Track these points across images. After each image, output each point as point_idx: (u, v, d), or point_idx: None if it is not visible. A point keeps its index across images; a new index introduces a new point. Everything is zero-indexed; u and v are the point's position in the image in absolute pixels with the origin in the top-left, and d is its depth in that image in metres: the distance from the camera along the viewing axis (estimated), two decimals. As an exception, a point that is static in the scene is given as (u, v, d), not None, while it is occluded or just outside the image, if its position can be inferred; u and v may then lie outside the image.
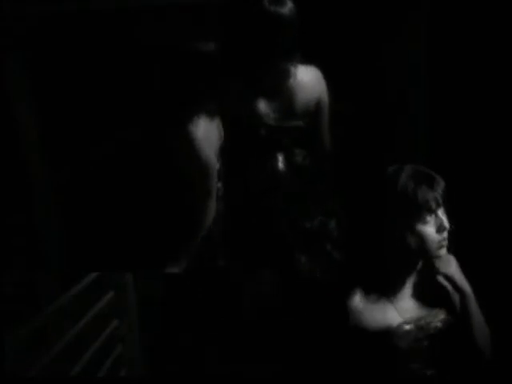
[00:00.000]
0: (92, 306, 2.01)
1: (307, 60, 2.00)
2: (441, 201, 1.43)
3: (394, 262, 1.48)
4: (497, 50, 2.31)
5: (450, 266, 1.45)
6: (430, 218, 1.43)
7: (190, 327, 2.39)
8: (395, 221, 1.44)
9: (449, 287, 1.47)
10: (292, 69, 1.95)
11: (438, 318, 1.49)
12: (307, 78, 1.99)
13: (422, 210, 1.42)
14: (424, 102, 2.50)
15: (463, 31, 2.34)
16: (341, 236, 1.98)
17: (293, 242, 2.04)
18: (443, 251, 1.46)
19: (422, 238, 1.43)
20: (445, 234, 1.44)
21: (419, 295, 1.52)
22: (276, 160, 2.03)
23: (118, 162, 2.61)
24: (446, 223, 1.44)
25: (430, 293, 1.51)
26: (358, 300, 1.47)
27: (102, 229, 2.67)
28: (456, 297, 1.49)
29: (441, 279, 1.46)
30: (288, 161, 2.04)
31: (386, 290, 1.49)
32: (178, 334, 2.41)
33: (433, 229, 1.43)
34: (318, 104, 2.04)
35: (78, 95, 2.58)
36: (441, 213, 1.44)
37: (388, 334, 1.44)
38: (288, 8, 1.88)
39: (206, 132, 1.91)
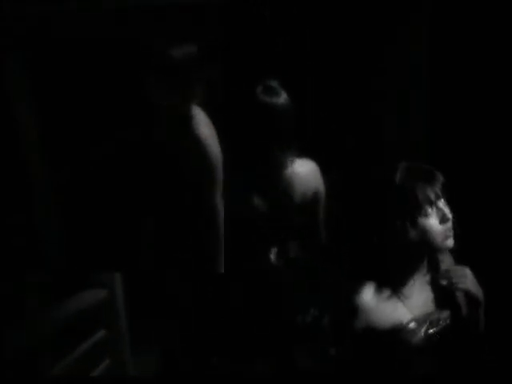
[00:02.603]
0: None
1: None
2: (440, 193, 1.43)
3: (400, 259, 1.49)
4: (498, 52, 2.31)
5: (467, 279, 1.44)
6: (432, 211, 1.43)
7: (190, 327, 2.40)
8: (397, 218, 1.44)
9: (461, 298, 1.47)
10: (289, 163, 1.94)
11: (447, 313, 1.49)
12: (304, 172, 1.98)
13: (422, 204, 1.42)
14: (425, 103, 2.50)
15: (464, 32, 2.33)
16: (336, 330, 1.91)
17: (286, 335, 2.02)
18: (450, 242, 1.46)
19: (426, 232, 1.43)
20: (449, 225, 1.44)
21: (427, 291, 1.52)
22: (272, 253, 2.01)
23: (118, 162, 2.61)
24: (449, 213, 1.43)
25: (437, 289, 1.51)
26: (367, 298, 1.47)
27: (102, 229, 2.68)
28: (462, 299, 1.49)
29: (458, 293, 1.46)
30: (283, 253, 2.02)
31: (395, 288, 1.49)
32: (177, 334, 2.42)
33: (436, 221, 1.43)
34: (314, 197, 2.02)
35: (77, 95, 2.58)
36: (442, 204, 1.44)
37: (398, 331, 1.44)
38: (282, 98, 1.87)
39: (211, 130, 1.96)
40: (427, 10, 2.39)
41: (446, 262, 1.58)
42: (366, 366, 1.46)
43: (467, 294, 1.46)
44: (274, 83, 1.91)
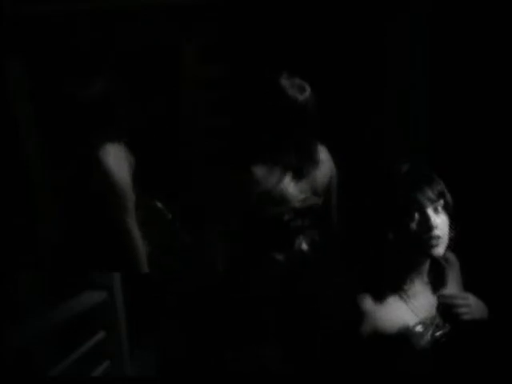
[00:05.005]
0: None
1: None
2: (429, 201, 1.40)
3: (398, 260, 1.48)
4: (498, 51, 2.30)
5: (471, 309, 1.38)
6: (418, 217, 1.41)
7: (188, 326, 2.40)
8: (390, 219, 1.44)
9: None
10: (313, 150, 1.98)
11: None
12: (323, 158, 2.03)
13: (410, 209, 1.40)
14: (425, 103, 2.50)
15: (465, 32, 2.33)
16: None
17: (313, 321, 2.01)
18: (438, 251, 1.43)
19: (410, 237, 1.42)
20: (434, 233, 1.40)
21: (431, 291, 1.50)
22: (299, 242, 2.04)
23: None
24: (434, 222, 1.39)
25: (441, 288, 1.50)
26: (371, 302, 1.45)
27: (102, 229, 2.67)
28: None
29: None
30: (307, 240, 2.05)
31: (398, 290, 1.48)
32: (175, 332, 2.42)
33: (420, 228, 1.41)
34: (330, 181, 2.07)
35: (77, 95, 2.58)
36: (430, 211, 1.41)
37: (405, 335, 1.42)
38: (309, 93, 1.92)
39: (117, 158, 2.10)
40: (427, 9, 2.39)
41: (451, 260, 1.57)
42: (371, 367, 1.45)
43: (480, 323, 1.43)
44: (299, 79, 1.94)
